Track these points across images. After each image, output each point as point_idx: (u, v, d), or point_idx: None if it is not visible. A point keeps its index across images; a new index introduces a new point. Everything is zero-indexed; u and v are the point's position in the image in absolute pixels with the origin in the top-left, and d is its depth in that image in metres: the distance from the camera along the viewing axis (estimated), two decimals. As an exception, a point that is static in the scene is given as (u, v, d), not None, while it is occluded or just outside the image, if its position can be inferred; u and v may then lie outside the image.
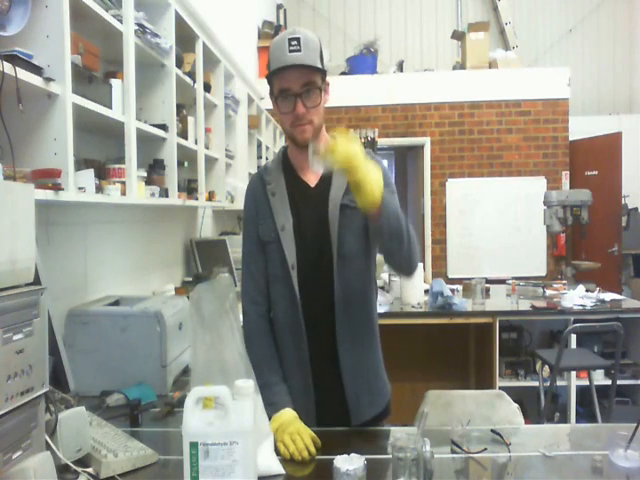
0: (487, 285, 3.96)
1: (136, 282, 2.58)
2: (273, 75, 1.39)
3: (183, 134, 2.56)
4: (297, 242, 1.47)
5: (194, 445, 1.02)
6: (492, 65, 6.40)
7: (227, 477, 1.03)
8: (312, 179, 1.52)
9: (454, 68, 6.67)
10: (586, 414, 3.72)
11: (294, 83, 1.37)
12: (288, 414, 1.39)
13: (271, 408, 1.38)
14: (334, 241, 1.45)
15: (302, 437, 1.31)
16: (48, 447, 1.12)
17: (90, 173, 1.73)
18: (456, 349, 4.04)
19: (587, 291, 3.83)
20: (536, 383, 3.58)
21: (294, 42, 1.35)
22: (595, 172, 6.05)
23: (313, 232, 1.48)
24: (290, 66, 1.35)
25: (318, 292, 1.47)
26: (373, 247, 1.54)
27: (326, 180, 1.49)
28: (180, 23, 2.47)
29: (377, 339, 1.59)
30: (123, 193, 1.90)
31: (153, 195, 2.21)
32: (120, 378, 1.73)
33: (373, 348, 1.56)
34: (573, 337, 3.57)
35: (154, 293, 2.62)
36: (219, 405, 1.06)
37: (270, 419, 1.35)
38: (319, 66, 1.39)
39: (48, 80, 1.43)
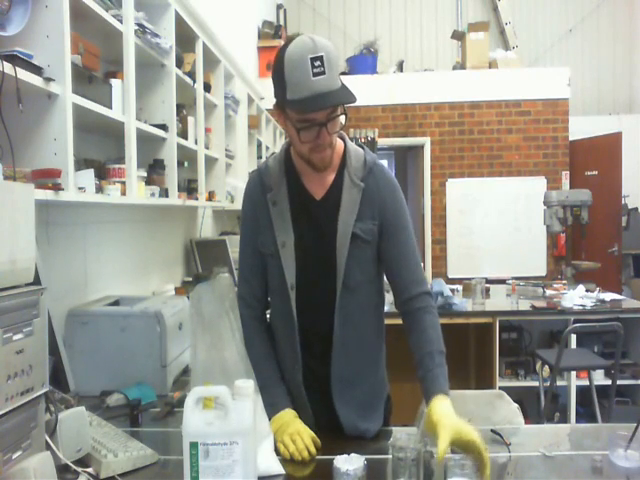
0: (487, 285, 3.97)
1: (136, 282, 2.58)
2: (294, 103, 1.23)
3: (183, 134, 2.56)
4: (298, 260, 1.38)
5: (194, 445, 1.02)
6: (492, 65, 6.40)
7: (227, 477, 1.03)
8: (318, 191, 1.40)
9: (454, 68, 6.67)
10: (586, 414, 3.72)
11: (321, 114, 1.25)
12: (288, 414, 1.38)
13: (271, 409, 1.37)
14: (340, 271, 1.36)
15: (302, 437, 1.31)
16: (48, 447, 1.12)
17: (90, 173, 1.72)
18: (456, 349, 4.04)
19: (587, 291, 3.83)
20: (536, 383, 3.58)
21: (317, 63, 1.18)
22: (595, 172, 6.06)
23: (316, 254, 1.39)
24: (321, 99, 1.21)
25: (317, 314, 1.41)
26: (381, 277, 1.48)
27: (334, 195, 1.39)
28: (180, 23, 2.46)
29: (380, 370, 1.53)
30: (123, 193, 1.90)
31: (153, 195, 2.21)
32: (120, 378, 1.73)
33: (371, 378, 1.49)
34: (573, 337, 3.57)
35: (154, 293, 2.62)
36: (219, 405, 1.06)
37: (270, 420, 1.35)
38: (347, 91, 1.25)
39: (48, 80, 1.43)
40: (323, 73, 1.19)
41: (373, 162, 1.42)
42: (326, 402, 1.43)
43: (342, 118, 1.31)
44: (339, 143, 1.42)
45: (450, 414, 1.17)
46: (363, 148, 1.46)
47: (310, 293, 1.40)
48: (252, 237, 1.46)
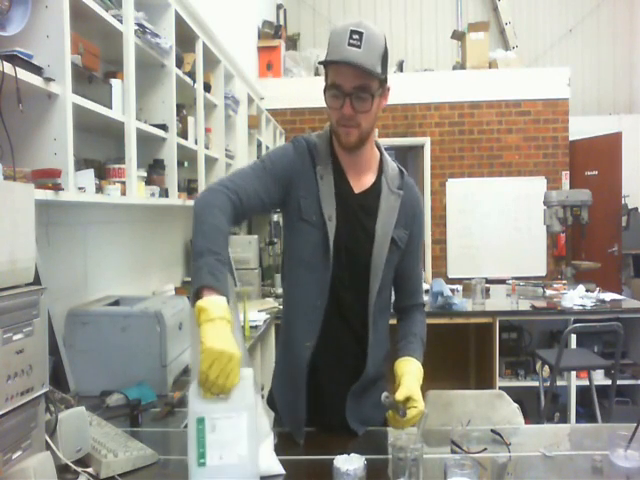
0: (487, 285, 3.96)
1: (136, 282, 2.58)
2: (327, 64, 1.30)
3: (183, 134, 2.56)
4: (337, 233, 1.36)
5: (201, 420, 1.04)
6: (492, 65, 6.40)
7: (233, 449, 1.05)
8: (356, 184, 1.42)
9: (454, 68, 6.66)
10: (586, 414, 3.72)
11: (346, 81, 1.27)
12: (224, 306, 1.08)
13: (209, 277, 1.10)
14: (375, 274, 1.38)
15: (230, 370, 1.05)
16: (48, 447, 1.12)
17: (90, 173, 1.73)
18: (456, 349, 4.04)
19: (587, 291, 3.83)
20: (536, 383, 3.58)
21: (355, 36, 1.24)
22: (595, 172, 6.05)
23: (351, 249, 1.39)
24: (345, 63, 1.24)
25: (349, 301, 1.40)
26: None
27: (372, 195, 1.41)
28: (180, 23, 2.47)
29: (385, 376, 1.54)
30: (123, 193, 1.90)
31: (153, 195, 2.21)
32: (120, 378, 1.73)
33: (381, 385, 1.50)
34: (573, 337, 3.57)
35: (154, 293, 2.62)
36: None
37: (196, 293, 1.09)
38: (377, 71, 1.27)
39: (48, 80, 1.43)
40: (358, 47, 1.23)
41: (405, 172, 1.49)
42: (336, 391, 1.41)
43: (377, 103, 1.33)
44: (376, 153, 1.47)
45: (411, 375, 1.33)
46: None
47: (340, 281, 1.38)
48: (280, 176, 1.36)
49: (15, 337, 1.02)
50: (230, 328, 1.08)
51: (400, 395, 1.27)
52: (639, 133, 6.83)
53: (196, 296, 1.09)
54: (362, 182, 1.43)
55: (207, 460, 1.03)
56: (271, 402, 1.55)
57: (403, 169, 1.49)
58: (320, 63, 1.35)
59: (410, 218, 1.45)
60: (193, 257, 1.17)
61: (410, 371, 1.34)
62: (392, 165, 1.48)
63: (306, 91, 5.82)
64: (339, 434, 1.42)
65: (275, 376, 1.55)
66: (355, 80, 1.27)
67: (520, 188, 6.14)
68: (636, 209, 6.60)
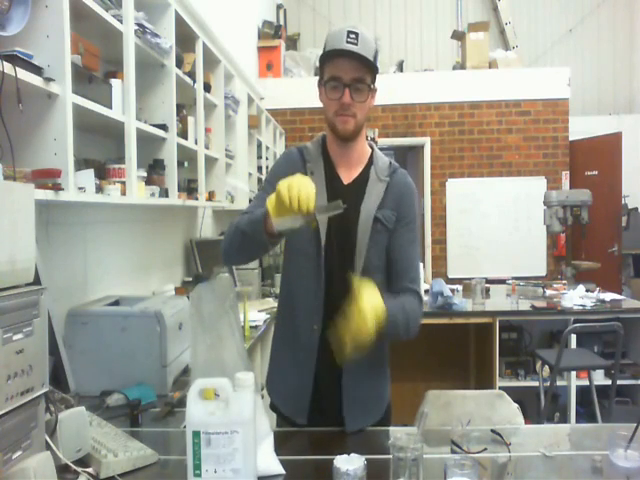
0: (487, 285, 3.97)
1: (136, 282, 2.58)
2: (326, 61, 1.41)
3: (183, 134, 2.56)
4: (328, 226, 1.46)
5: (196, 434, 1.05)
6: (492, 65, 6.40)
7: (228, 464, 1.06)
8: (346, 177, 1.52)
9: (454, 68, 6.67)
10: (586, 414, 3.72)
11: (345, 73, 1.38)
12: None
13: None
14: (360, 254, 1.44)
15: (306, 189, 1.21)
16: (48, 447, 1.12)
17: (90, 173, 1.73)
18: (456, 349, 4.04)
19: (587, 291, 3.83)
20: (536, 383, 3.58)
21: (352, 35, 1.36)
22: (595, 172, 6.05)
23: (339, 232, 1.46)
24: (346, 54, 1.35)
25: (340, 283, 1.43)
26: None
27: (359, 184, 1.49)
28: (180, 23, 2.47)
29: (386, 360, 1.57)
30: (123, 193, 1.90)
31: (153, 195, 2.21)
32: (120, 378, 1.73)
33: (379, 365, 1.54)
34: (573, 337, 3.57)
35: (154, 293, 2.62)
36: (220, 396, 1.08)
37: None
38: (373, 63, 1.39)
39: (48, 80, 1.43)
40: (355, 44, 1.36)
41: (397, 166, 1.56)
42: (335, 377, 1.46)
43: (370, 97, 1.43)
44: (368, 149, 1.56)
45: (369, 296, 1.28)
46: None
47: (334, 260, 1.46)
48: None
49: (15, 337, 1.02)
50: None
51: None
52: (639, 133, 6.83)
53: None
54: (352, 173, 1.52)
55: (202, 472, 1.05)
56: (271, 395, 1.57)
57: (395, 163, 1.56)
58: (322, 56, 1.42)
59: (397, 199, 1.50)
60: (242, 231, 1.38)
61: (373, 292, 1.30)
62: (383, 159, 1.55)
63: (306, 91, 5.79)
64: (339, 434, 1.43)
65: (273, 367, 1.59)
66: (354, 72, 1.38)
67: (520, 188, 6.15)
68: (636, 209, 6.60)
